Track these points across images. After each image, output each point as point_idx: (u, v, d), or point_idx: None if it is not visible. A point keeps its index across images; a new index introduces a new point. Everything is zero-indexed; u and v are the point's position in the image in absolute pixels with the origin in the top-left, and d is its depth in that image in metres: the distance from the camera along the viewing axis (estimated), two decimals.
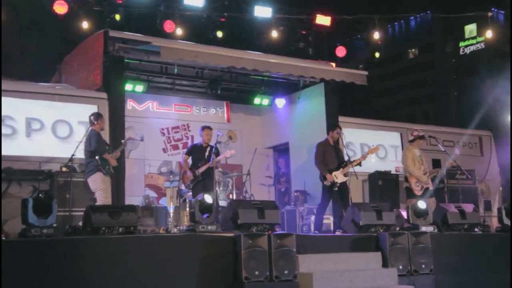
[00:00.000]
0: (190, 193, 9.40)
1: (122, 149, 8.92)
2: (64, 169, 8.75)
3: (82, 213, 6.94)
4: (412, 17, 55.09)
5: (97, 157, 8.32)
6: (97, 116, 8.67)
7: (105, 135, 9.23)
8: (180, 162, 11.03)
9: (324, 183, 9.38)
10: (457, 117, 41.73)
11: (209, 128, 9.71)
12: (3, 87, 9.26)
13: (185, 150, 10.15)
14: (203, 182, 9.25)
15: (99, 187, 8.36)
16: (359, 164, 9.48)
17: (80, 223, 7.51)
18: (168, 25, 11.63)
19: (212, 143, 9.58)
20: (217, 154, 9.48)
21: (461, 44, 51.71)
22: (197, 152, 9.56)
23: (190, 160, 9.63)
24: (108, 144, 8.83)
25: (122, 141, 8.95)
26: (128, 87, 10.96)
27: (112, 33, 9.94)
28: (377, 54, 14.16)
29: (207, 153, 9.43)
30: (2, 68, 13.13)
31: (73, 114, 9.65)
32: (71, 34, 11.44)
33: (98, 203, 8.19)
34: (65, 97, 9.78)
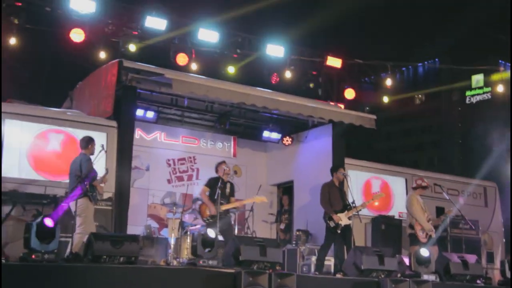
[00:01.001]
0: (197, 226, 9.26)
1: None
2: None
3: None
4: (420, 64, 55.61)
5: (86, 183, 7.79)
6: (89, 140, 8.21)
7: (112, 163, 9.26)
8: (184, 193, 11.06)
9: (329, 223, 9.35)
10: (461, 166, 41.71)
11: (223, 162, 9.46)
12: (13, 110, 9.33)
13: (205, 181, 9.61)
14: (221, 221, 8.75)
15: (82, 213, 7.77)
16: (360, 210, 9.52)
17: (68, 249, 7.41)
18: (181, 58, 11.80)
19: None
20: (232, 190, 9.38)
21: (468, 93, 52.07)
22: (218, 187, 9.03)
23: (207, 193, 9.31)
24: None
25: (106, 168, 8.48)
26: (139, 112, 11.05)
27: (126, 63, 10.10)
28: (385, 99, 14.19)
29: (227, 190, 9.23)
30: (13, 91, 13.23)
31: None
32: (85, 61, 11.56)
33: (76, 230, 7.54)
34: (75, 123, 9.83)
